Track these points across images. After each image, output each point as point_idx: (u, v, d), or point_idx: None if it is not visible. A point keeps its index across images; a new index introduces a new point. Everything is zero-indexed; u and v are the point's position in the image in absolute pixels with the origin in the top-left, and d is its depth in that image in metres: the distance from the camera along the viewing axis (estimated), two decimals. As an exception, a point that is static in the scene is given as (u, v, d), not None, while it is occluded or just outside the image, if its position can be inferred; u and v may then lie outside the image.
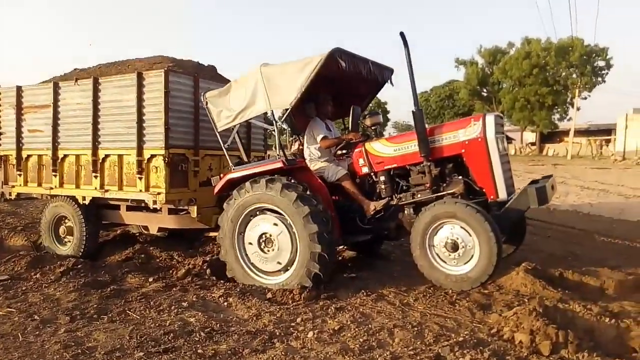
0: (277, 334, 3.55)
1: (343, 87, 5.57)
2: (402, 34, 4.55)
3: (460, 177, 4.66)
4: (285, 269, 4.69)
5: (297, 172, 4.90)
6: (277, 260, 4.70)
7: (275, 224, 4.69)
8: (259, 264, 4.82)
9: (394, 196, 4.88)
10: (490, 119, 4.51)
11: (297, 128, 5.88)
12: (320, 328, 3.64)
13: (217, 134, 5.20)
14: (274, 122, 4.98)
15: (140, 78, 5.59)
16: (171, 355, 3.20)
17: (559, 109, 43.17)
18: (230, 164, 5.24)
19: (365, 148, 4.97)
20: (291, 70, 4.69)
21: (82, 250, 6.15)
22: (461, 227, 4.19)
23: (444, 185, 4.70)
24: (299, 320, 3.81)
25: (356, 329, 3.60)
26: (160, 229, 6.34)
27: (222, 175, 5.25)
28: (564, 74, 40.70)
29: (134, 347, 3.31)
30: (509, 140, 50.26)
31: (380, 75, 5.43)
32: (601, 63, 40.71)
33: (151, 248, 6.27)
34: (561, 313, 3.75)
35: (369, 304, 4.23)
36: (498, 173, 4.48)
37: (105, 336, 3.51)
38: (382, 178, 4.90)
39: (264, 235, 4.75)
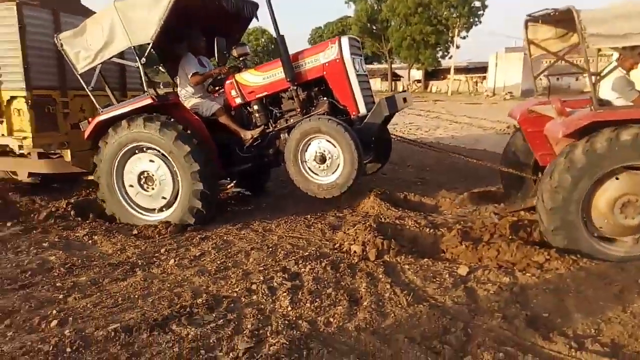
0: (140, 264, 3.79)
1: (213, 24, 5.52)
2: None
3: (325, 98, 4.95)
4: (169, 205, 4.83)
5: (172, 109, 4.92)
6: (159, 197, 4.82)
7: (153, 161, 4.76)
8: (141, 201, 4.90)
9: (269, 123, 5.10)
10: (345, 40, 4.80)
11: (168, 66, 5.80)
12: (182, 256, 3.95)
13: (78, 76, 4.98)
14: (137, 58, 4.85)
15: None
16: (28, 290, 3.31)
17: (441, 48, 45.80)
18: (98, 107, 5.06)
19: (236, 79, 5.07)
20: (147, 3, 4.58)
21: None
22: (327, 140, 4.52)
23: (312, 107, 5.00)
24: (162, 250, 4.07)
25: (216, 254, 3.97)
26: (30, 175, 6.02)
27: (90, 119, 5.08)
28: (445, 13, 42.87)
29: (-13, 287, 3.34)
30: (397, 77, 52.86)
31: (246, 10, 5.50)
32: (477, 3, 43.47)
33: (10, 194, 5.95)
34: (392, 227, 4.46)
35: (233, 232, 4.60)
36: (357, 90, 4.79)
37: (-45, 280, 3.47)
38: (256, 107, 5.08)
39: (144, 174, 4.81)
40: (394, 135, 5.96)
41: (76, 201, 5.53)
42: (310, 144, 4.63)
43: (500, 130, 12.95)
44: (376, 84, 51.25)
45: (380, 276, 3.49)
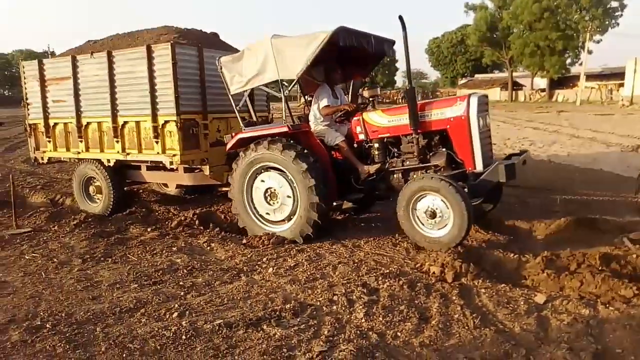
0: (245, 270, 4.47)
1: (348, 56, 5.98)
2: (400, 18, 4.94)
3: (444, 149, 5.18)
4: (289, 218, 5.45)
5: (300, 135, 5.54)
6: (282, 211, 5.46)
7: (278, 180, 5.40)
8: (266, 214, 5.59)
9: (386, 161, 5.45)
10: (474, 99, 4.99)
11: (306, 91, 6.56)
12: (279, 265, 4.54)
13: (230, 96, 5.83)
14: (281, 89, 5.58)
15: (149, 51, 6.18)
16: (159, 286, 4.15)
17: (570, 54, 42.33)
18: (242, 125, 5.85)
19: (363, 117, 5.49)
20: (299, 43, 5.19)
21: (111, 205, 6.94)
22: (441, 199, 4.66)
23: (430, 155, 5.26)
24: (264, 259, 4.71)
25: (308, 266, 4.50)
26: (178, 186, 7.23)
27: (233, 134, 5.80)
28: (575, 16, 39.54)
29: (131, 281, 4.27)
30: (519, 86, 49.79)
31: (381, 47, 5.88)
32: (614, 4, 39.41)
33: (152, 203, 7.20)
34: (475, 250, 4.60)
35: (326, 246, 5.11)
36: (477, 148, 4.96)
37: (109, 273, 4.49)
38: (376, 145, 5.45)
39: (269, 190, 5.49)
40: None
41: (200, 212, 6.51)
42: (424, 197, 4.80)
43: (627, 147, 11.81)
44: (496, 93, 48.91)
45: (454, 298, 3.70)
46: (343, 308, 3.59)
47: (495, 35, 45.81)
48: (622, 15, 40.28)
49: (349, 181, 5.57)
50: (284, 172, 5.31)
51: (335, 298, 3.75)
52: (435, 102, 5.30)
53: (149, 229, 6.01)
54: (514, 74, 47.90)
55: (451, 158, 5.13)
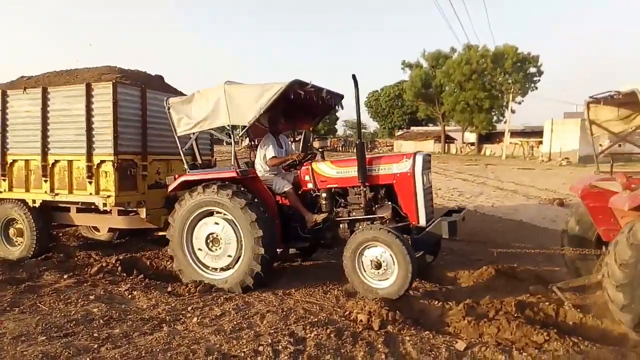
0: (167, 319, 4.26)
1: (297, 106, 6.09)
2: (354, 76, 5.09)
3: (389, 202, 5.35)
4: (229, 266, 5.29)
5: (248, 180, 5.48)
6: (223, 258, 5.31)
7: (222, 226, 5.27)
8: (206, 261, 5.41)
9: (332, 211, 5.53)
10: (419, 157, 5.24)
11: (253, 135, 6.50)
12: (205, 315, 4.38)
13: (176, 138, 5.71)
14: (231, 135, 5.54)
15: (89, 89, 6.05)
16: (70, 338, 3.84)
17: (496, 112, 45.83)
18: (186, 167, 5.74)
19: (312, 167, 5.59)
20: (253, 92, 5.23)
21: (32, 250, 6.48)
22: (388, 252, 4.73)
23: (376, 207, 5.40)
24: (189, 308, 4.53)
25: (235, 314, 4.38)
26: (110, 230, 6.82)
27: (176, 176, 5.70)
28: (500, 79, 43.24)
29: (39, 333, 3.92)
30: (451, 140, 52.93)
31: (331, 100, 6.02)
32: (533, 70, 43.59)
33: (71, 248, 6.76)
34: (402, 298, 4.69)
35: (255, 294, 5.01)
36: (421, 203, 5.16)
37: (14, 324, 4.10)
38: (324, 195, 5.54)
39: (211, 235, 5.34)
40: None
41: (124, 258, 6.20)
42: (372, 247, 4.85)
43: (544, 200, 12.76)
44: (430, 146, 51.58)
45: (379, 346, 3.72)
46: (268, 359, 3.50)
47: (429, 92, 48.87)
48: (540, 80, 44.63)
49: (294, 228, 5.60)
50: (229, 218, 5.23)
51: (260, 348, 3.64)
52: (383, 157, 5.51)
53: (65, 276, 5.60)
54: (447, 128, 50.99)
55: (396, 211, 5.28)
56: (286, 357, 3.51)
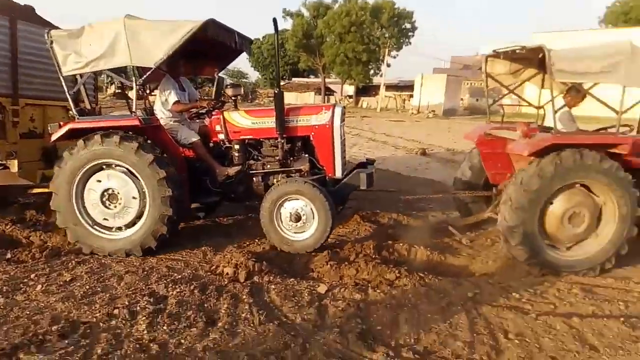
0: (4, 290, 3.79)
1: (203, 49, 5.47)
2: (274, 20, 4.83)
3: (306, 155, 5.24)
4: (132, 223, 4.77)
5: (151, 130, 4.88)
6: (124, 216, 4.75)
7: (122, 180, 4.69)
8: (103, 220, 4.78)
9: (245, 163, 5.25)
10: (338, 110, 5.17)
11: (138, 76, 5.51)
12: (51, 281, 3.98)
13: (62, 78, 4.81)
14: (133, 78, 4.80)
15: None
16: None
17: (372, 65, 47.52)
18: (74, 112, 4.90)
19: (224, 116, 5.19)
20: (160, 29, 4.61)
21: None
22: (307, 204, 4.76)
23: (292, 159, 5.25)
24: (32, 276, 4.07)
25: (88, 279, 4.06)
26: None
27: (62, 123, 4.83)
28: (377, 33, 44.67)
29: None
30: (331, 92, 54.11)
31: (240, 44, 5.53)
32: (408, 25, 45.72)
33: None
34: (270, 249, 4.77)
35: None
36: (338, 155, 5.14)
37: None
38: (237, 146, 5.22)
39: (107, 191, 4.72)
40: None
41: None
42: (288, 201, 4.82)
43: (411, 150, 13.78)
44: (310, 97, 52.21)
45: (244, 297, 3.75)
46: (123, 322, 3.32)
47: (310, 43, 48.76)
48: (413, 35, 47.01)
49: (203, 182, 5.24)
50: (130, 171, 4.68)
51: (115, 312, 3.44)
52: (301, 108, 5.31)
53: None
54: (327, 80, 51.79)
55: (312, 163, 5.21)
56: (144, 317, 3.36)
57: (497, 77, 5.61)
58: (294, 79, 62.38)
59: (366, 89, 51.08)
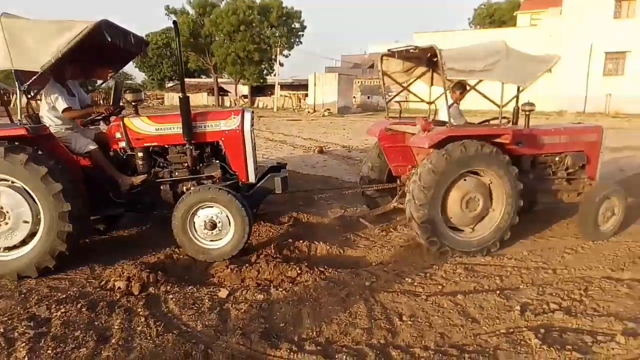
0: None
1: (93, 51, 4.93)
2: (175, 23, 4.73)
3: (216, 161, 5.07)
4: (23, 243, 4.28)
5: (42, 140, 4.36)
6: (11, 236, 4.25)
7: (8, 195, 4.18)
8: None
9: (150, 172, 4.95)
10: (248, 114, 5.06)
11: (22, 81, 4.74)
12: None
13: None
14: (17, 82, 4.24)
15: None
16: None
17: (265, 65, 47.54)
18: None
19: (125, 123, 4.85)
20: (46, 30, 4.14)
21: None
22: (222, 211, 4.60)
23: (202, 165, 5.06)
24: None
25: (-49, 309, 3.55)
26: None
27: None
28: (267, 32, 44.73)
29: None
30: (224, 92, 53.14)
31: (136, 46, 5.18)
32: (297, 25, 46.42)
33: None
34: (167, 258, 4.57)
35: (-17, 280, 4.16)
36: (250, 160, 5.03)
37: None
38: (140, 154, 4.93)
39: None
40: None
41: None
42: (202, 209, 4.64)
43: (308, 149, 14.04)
44: (202, 98, 50.76)
45: (139, 310, 3.56)
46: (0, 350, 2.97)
47: (199, 42, 47.35)
48: (303, 35, 47.85)
49: (104, 193, 4.88)
50: (19, 186, 4.18)
51: (-12, 342, 3.07)
52: (209, 113, 5.12)
53: None
54: (220, 80, 50.74)
55: (224, 169, 5.07)
56: (24, 343, 3.05)
57: (392, 74, 5.92)
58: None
59: (261, 89, 50.97)
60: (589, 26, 31.58)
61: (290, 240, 5.11)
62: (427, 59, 5.91)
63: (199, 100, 48.92)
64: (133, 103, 5.06)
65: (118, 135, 4.96)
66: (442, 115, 5.64)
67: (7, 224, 4.24)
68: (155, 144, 5.02)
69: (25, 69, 4.32)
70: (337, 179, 9.02)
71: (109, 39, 4.47)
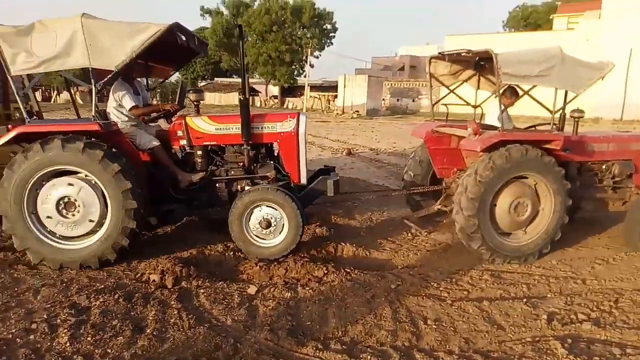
0: None
1: (158, 52, 5.08)
2: (240, 27, 4.87)
3: (271, 161, 5.21)
4: (89, 234, 4.48)
5: (110, 135, 4.55)
6: (82, 225, 4.45)
7: (81, 188, 4.37)
8: (58, 229, 4.46)
9: (208, 170, 5.10)
10: (303, 118, 5.16)
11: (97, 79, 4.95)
12: (-43, 299, 3.68)
13: (10, 78, 4.40)
14: (92, 80, 4.46)
15: None
16: None
17: (296, 66, 47.91)
18: (25, 115, 4.50)
19: (187, 122, 5.02)
20: (122, 31, 4.34)
21: None
22: (275, 209, 4.71)
23: (257, 166, 5.19)
24: None
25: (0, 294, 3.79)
26: None
27: (10, 126, 4.46)
28: (299, 33, 45.08)
29: None
30: (255, 92, 53.78)
31: (197, 48, 5.33)
32: (328, 26, 46.61)
33: None
34: (199, 252, 4.74)
35: (24, 269, 4.39)
36: (303, 162, 5.14)
37: None
38: (200, 152, 5.08)
39: (64, 199, 4.39)
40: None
41: None
42: (258, 208, 4.74)
43: (337, 150, 14.11)
44: (234, 97, 51.52)
45: (172, 303, 3.71)
46: (43, 336, 3.17)
47: (232, 42, 48.12)
48: (334, 36, 48.02)
49: (165, 189, 5.03)
50: (90, 179, 4.41)
51: (33, 326, 3.28)
52: (266, 115, 5.26)
53: None
54: (251, 80, 51.42)
55: (277, 170, 5.17)
56: (65, 330, 3.23)
57: (439, 77, 5.96)
58: (216, 78, 61.13)
59: (291, 90, 51.35)
60: (628, 31, 30.57)
61: (318, 240, 5.20)
62: (475, 63, 5.92)
63: (230, 99, 49.62)
64: (195, 102, 5.22)
65: (180, 133, 5.11)
66: (489, 120, 5.66)
67: (74, 215, 4.43)
68: (214, 143, 5.15)
69: (103, 67, 4.48)
70: (365, 182, 9.07)
71: (180, 41, 4.66)
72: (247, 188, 4.94)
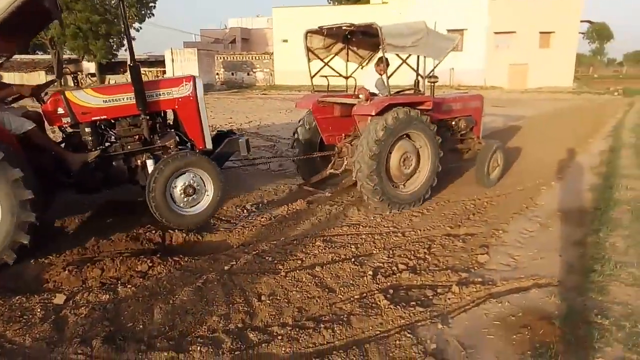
0: None
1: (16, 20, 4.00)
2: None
3: (171, 130, 4.99)
4: None
5: None
6: None
7: None
8: None
9: (99, 147, 4.69)
10: (199, 81, 5.02)
11: None
12: None
13: None
14: None
15: None
16: None
17: (115, 39, 43.30)
18: None
19: (67, 97, 4.49)
20: None
21: None
22: (198, 175, 4.70)
23: (155, 137, 4.87)
24: None
25: None
26: None
27: None
28: (113, 2, 40.62)
29: None
30: (75, 73, 47.39)
31: (54, 12, 4.67)
32: (147, -4, 42.90)
33: None
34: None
35: None
36: (206, 127, 5.03)
37: None
38: (88, 129, 4.65)
39: None
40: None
41: None
42: (180, 176, 4.65)
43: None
44: (40, 76, 44.61)
45: (-54, 335, 2.96)
46: None
47: (30, 12, 41.21)
48: (155, 6, 44.33)
49: (53, 176, 4.50)
50: None
51: None
52: (160, 82, 5.05)
53: None
54: (63, 57, 45.02)
55: (180, 138, 4.95)
56: None
57: (315, 51, 6.26)
58: (15, 55, 52.13)
59: (111, 66, 46.37)
60: (434, 5, 34.45)
61: (141, 231, 4.71)
62: (344, 36, 6.29)
63: (35, 79, 42.85)
64: (73, 74, 4.91)
65: (60, 110, 4.56)
66: (368, 87, 6.09)
67: None
68: (104, 117, 4.72)
69: None
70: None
71: (48, 6, 4.23)
72: (165, 157, 4.65)
